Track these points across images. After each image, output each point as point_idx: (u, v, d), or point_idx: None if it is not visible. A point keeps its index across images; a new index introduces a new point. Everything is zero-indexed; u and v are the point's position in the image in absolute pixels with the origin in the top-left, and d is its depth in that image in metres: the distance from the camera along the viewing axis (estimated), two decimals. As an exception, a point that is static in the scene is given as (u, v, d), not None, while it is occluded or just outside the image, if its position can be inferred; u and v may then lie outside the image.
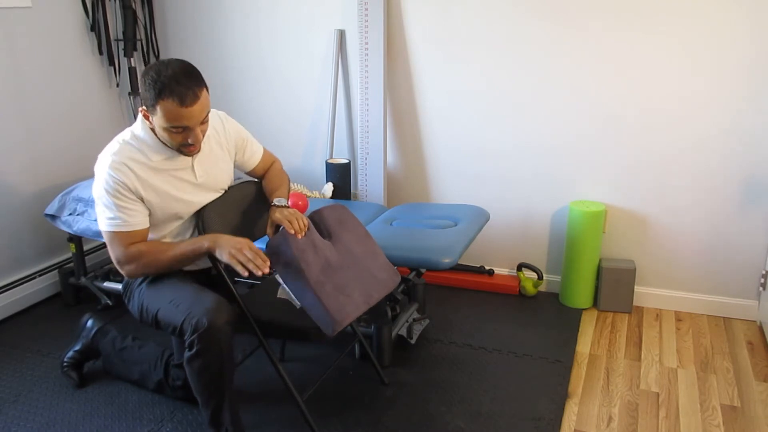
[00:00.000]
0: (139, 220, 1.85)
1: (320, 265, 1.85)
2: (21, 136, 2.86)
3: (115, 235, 1.83)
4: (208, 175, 1.98)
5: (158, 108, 1.72)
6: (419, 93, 3.00)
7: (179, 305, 1.79)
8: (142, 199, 1.84)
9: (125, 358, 2.26)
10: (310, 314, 1.78)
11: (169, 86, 1.69)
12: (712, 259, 2.76)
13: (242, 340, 2.50)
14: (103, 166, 1.81)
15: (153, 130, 1.85)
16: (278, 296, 1.86)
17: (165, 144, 1.85)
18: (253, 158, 2.16)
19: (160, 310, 1.84)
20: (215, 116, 2.02)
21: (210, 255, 1.83)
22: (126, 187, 1.80)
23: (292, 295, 1.81)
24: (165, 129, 1.77)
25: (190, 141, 1.80)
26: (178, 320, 1.77)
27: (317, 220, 2.01)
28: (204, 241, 1.82)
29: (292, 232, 1.84)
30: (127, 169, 1.81)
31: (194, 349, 1.75)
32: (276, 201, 2.00)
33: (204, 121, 1.81)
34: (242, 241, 1.78)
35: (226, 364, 1.80)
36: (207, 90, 1.79)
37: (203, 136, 1.84)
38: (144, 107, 1.79)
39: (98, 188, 1.82)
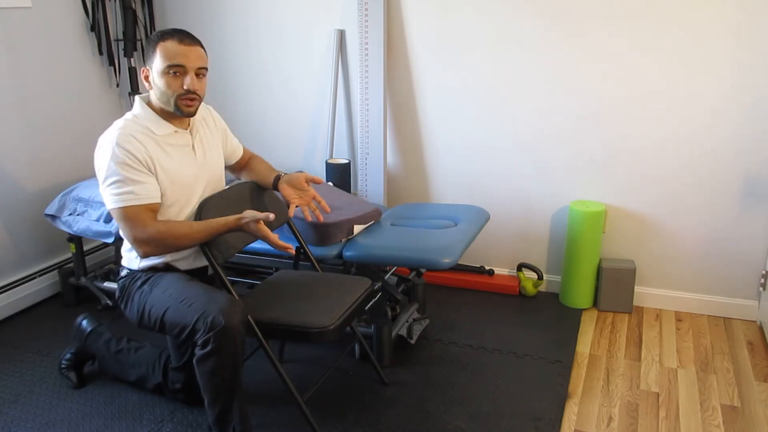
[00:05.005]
0: (151, 192, 1.83)
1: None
2: (21, 136, 2.86)
3: (128, 210, 1.79)
4: (205, 158, 2.02)
5: (158, 51, 1.81)
6: (419, 93, 2.99)
7: (192, 304, 1.77)
8: (152, 172, 1.84)
9: (121, 360, 2.24)
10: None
11: (170, 32, 1.84)
12: (712, 259, 2.76)
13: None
14: (109, 141, 1.81)
15: (151, 106, 1.90)
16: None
17: (164, 108, 1.88)
18: (237, 151, 2.23)
19: (169, 310, 1.81)
20: (202, 107, 2.07)
21: (210, 250, 1.89)
22: (135, 158, 1.80)
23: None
24: (163, 73, 1.82)
25: (185, 86, 1.83)
26: (191, 319, 1.75)
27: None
28: (232, 221, 1.83)
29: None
30: (135, 140, 1.82)
31: (208, 348, 1.73)
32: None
33: (199, 75, 1.87)
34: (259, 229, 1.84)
35: (239, 363, 1.79)
36: (205, 51, 1.88)
37: (200, 97, 1.89)
38: (146, 68, 1.86)
39: (104, 163, 1.80)
